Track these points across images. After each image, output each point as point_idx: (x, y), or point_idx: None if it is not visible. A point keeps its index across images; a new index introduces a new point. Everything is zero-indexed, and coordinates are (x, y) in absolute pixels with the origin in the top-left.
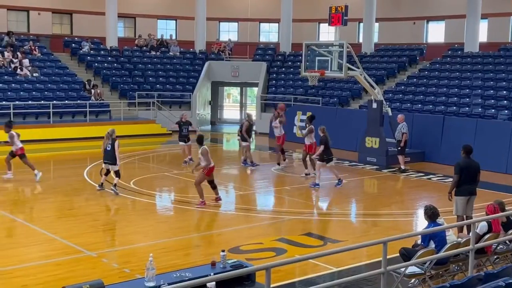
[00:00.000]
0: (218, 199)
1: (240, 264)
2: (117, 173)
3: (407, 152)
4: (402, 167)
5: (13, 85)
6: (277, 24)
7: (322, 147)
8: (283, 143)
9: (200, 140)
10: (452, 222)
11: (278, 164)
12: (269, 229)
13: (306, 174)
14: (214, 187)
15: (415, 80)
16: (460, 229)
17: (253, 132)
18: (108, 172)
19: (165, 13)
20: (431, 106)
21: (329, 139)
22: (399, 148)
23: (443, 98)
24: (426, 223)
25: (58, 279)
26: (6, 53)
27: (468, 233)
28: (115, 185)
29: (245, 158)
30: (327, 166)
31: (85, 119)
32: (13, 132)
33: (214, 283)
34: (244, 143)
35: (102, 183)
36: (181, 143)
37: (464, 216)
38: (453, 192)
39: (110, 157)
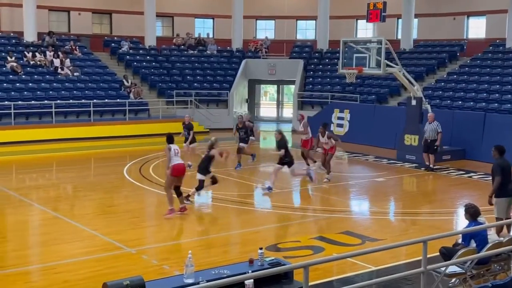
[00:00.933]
0: (182, 209)
1: (278, 262)
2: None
3: (447, 149)
4: (432, 166)
5: (54, 84)
6: (314, 21)
7: (282, 151)
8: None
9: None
10: (493, 221)
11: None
12: (307, 227)
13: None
14: (178, 194)
15: (455, 76)
16: (499, 229)
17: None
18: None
19: (202, 12)
20: (471, 103)
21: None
22: (436, 147)
23: (484, 94)
24: (466, 222)
25: (99, 275)
26: (48, 53)
27: (508, 233)
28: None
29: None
30: (281, 170)
31: (125, 117)
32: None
33: (252, 280)
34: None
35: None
36: (184, 145)
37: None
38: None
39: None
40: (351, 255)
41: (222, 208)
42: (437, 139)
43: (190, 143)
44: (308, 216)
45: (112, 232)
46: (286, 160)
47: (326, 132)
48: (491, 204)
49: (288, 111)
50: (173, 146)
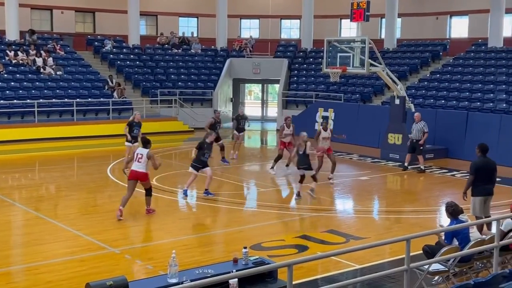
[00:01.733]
0: (149, 210)
1: (262, 261)
2: (314, 178)
3: (430, 148)
4: (422, 167)
5: (37, 83)
6: (298, 20)
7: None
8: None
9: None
10: (474, 219)
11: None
12: (291, 226)
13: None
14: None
15: (438, 75)
16: (481, 228)
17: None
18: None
19: (186, 10)
20: (454, 102)
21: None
22: (421, 147)
23: (467, 93)
24: (449, 220)
25: (82, 275)
26: (30, 52)
27: (489, 230)
28: (312, 190)
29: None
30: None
31: (108, 116)
32: None
33: (236, 279)
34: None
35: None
36: (127, 143)
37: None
38: (469, 192)
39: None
40: (335, 253)
41: (207, 207)
42: (421, 139)
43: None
44: (292, 215)
45: (95, 232)
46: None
47: (328, 128)
48: (465, 200)
49: (272, 110)
50: (139, 150)
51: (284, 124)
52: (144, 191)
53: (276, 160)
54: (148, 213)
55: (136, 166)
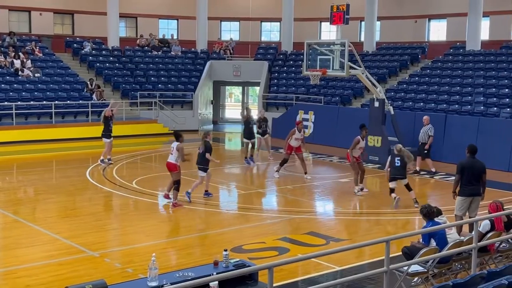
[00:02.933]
0: (174, 204)
1: (243, 264)
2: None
3: (409, 150)
4: (433, 169)
5: (15, 85)
6: (278, 23)
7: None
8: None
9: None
10: (453, 221)
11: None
12: (272, 228)
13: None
14: (175, 188)
15: (417, 78)
16: (460, 229)
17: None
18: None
19: (166, 12)
20: (433, 105)
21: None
22: (426, 151)
23: (445, 96)
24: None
25: (61, 279)
26: (9, 53)
27: (470, 232)
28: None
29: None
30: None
31: (87, 119)
32: None
33: (216, 282)
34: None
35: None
36: (106, 139)
37: (465, 216)
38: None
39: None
40: (316, 255)
41: (187, 210)
42: (427, 143)
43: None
44: (273, 217)
45: (74, 235)
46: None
47: (303, 130)
48: (455, 199)
49: (253, 113)
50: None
51: (296, 128)
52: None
53: (281, 164)
54: (173, 207)
55: (169, 158)
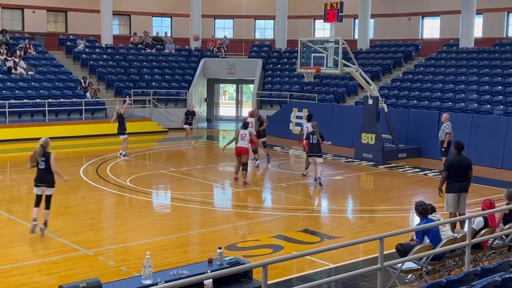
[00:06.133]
0: (244, 183)
1: (237, 261)
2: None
3: (403, 148)
4: None
5: (8, 83)
6: (272, 21)
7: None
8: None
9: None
10: (447, 217)
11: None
12: (266, 226)
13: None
14: (243, 169)
15: (410, 76)
16: (453, 226)
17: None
18: None
19: (160, 10)
20: (426, 102)
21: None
22: (443, 149)
23: (439, 93)
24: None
25: (55, 278)
26: (1, 51)
27: (462, 229)
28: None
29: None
30: None
31: (81, 117)
32: None
33: (211, 280)
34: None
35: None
36: (122, 136)
37: (457, 213)
38: (444, 188)
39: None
40: (310, 253)
41: (182, 208)
42: (445, 140)
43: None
44: (267, 215)
45: (68, 233)
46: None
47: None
48: (441, 196)
49: (247, 111)
50: (242, 131)
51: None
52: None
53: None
54: (244, 185)
55: (240, 143)
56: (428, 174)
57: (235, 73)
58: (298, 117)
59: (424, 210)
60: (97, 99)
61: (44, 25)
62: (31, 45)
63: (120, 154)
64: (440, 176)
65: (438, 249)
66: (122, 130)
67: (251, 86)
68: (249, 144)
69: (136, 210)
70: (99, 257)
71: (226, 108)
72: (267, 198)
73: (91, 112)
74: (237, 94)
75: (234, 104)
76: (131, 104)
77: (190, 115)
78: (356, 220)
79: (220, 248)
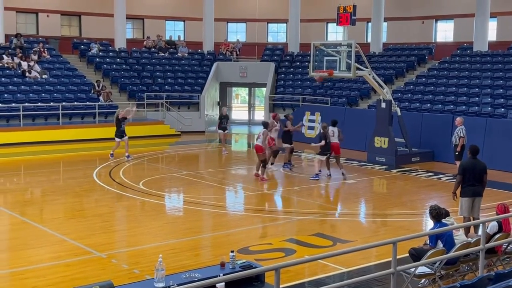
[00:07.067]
0: (262, 179)
1: (249, 265)
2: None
3: (416, 152)
4: None
5: (22, 87)
6: (285, 24)
7: (323, 142)
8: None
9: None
10: (461, 222)
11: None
12: (278, 229)
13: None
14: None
15: (424, 79)
16: (467, 230)
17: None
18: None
19: (173, 14)
20: (440, 106)
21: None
22: (456, 153)
23: (452, 97)
24: (433, 223)
25: (68, 280)
26: (17, 55)
27: (476, 233)
28: None
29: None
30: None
31: (94, 120)
32: None
33: (223, 283)
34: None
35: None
36: (117, 139)
37: (471, 217)
38: (458, 192)
39: None
40: (322, 257)
41: (194, 211)
42: (458, 144)
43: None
44: (279, 218)
45: (81, 236)
46: (321, 150)
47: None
48: (454, 200)
49: (259, 114)
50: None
51: (273, 120)
52: None
53: (274, 157)
54: (261, 181)
55: (256, 142)
56: (441, 178)
57: (247, 76)
58: (310, 121)
59: (438, 214)
60: (110, 103)
61: (58, 29)
62: (45, 49)
63: (127, 156)
64: (454, 180)
65: (452, 253)
66: (117, 133)
67: (264, 89)
68: (266, 144)
69: (149, 213)
70: (112, 260)
71: (238, 112)
72: (279, 202)
73: (105, 116)
74: (249, 97)
75: (247, 107)
76: (138, 110)
77: (224, 119)
78: (369, 224)
79: (232, 251)
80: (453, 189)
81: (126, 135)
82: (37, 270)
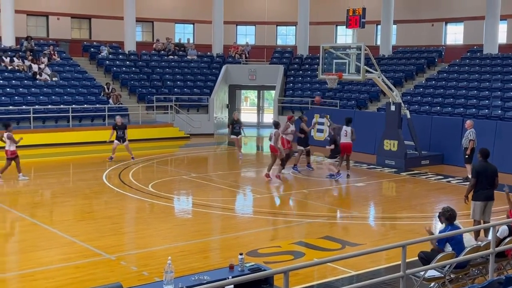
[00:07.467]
0: (276, 176)
1: (258, 268)
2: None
3: (425, 155)
4: (470, 175)
5: (33, 89)
6: (294, 27)
7: (332, 146)
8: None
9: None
10: (469, 225)
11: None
12: (287, 232)
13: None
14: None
15: (433, 82)
16: (477, 234)
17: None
18: None
19: (182, 17)
20: (450, 108)
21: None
22: (466, 156)
23: (462, 100)
24: (443, 225)
25: (78, 282)
26: (27, 57)
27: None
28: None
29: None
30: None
31: (104, 122)
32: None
33: (232, 286)
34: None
35: None
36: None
37: (481, 220)
38: (470, 196)
39: None
40: (331, 260)
41: (203, 214)
42: (468, 147)
43: (124, 141)
44: (288, 221)
45: (91, 238)
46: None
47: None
48: (466, 203)
49: (268, 116)
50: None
51: (288, 122)
52: None
53: (287, 160)
54: (271, 178)
55: (270, 142)
56: (451, 182)
57: (256, 79)
58: (319, 123)
59: (451, 216)
60: (120, 105)
61: (68, 32)
62: (56, 52)
63: (132, 158)
64: (464, 183)
65: (462, 257)
66: (118, 138)
67: (273, 92)
68: (278, 144)
69: (158, 216)
70: (121, 262)
71: (247, 114)
72: (288, 204)
73: (114, 118)
74: (258, 100)
75: (256, 110)
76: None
77: (236, 125)
78: (378, 227)
79: (241, 254)
80: (466, 193)
81: (124, 141)
82: (47, 271)
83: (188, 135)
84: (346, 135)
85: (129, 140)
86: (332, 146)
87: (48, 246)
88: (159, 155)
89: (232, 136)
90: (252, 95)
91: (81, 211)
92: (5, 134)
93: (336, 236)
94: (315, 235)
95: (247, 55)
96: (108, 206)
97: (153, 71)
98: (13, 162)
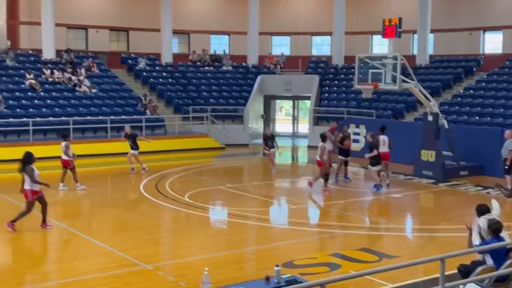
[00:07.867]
0: (325, 190)
1: (294, 279)
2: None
3: (464, 165)
4: (510, 186)
5: (72, 101)
6: (329, 37)
7: (375, 151)
8: None
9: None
10: None
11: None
12: (323, 243)
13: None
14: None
15: (472, 91)
16: None
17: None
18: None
19: (218, 28)
20: (489, 118)
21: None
22: (506, 167)
23: (501, 110)
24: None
25: None
26: (67, 70)
27: None
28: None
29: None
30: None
31: (141, 133)
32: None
33: None
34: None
35: None
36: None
37: None
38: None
39: None
40: (368, 272)
41: (239, 224)
42: (508, 158)
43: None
44: (324, 232)
45: (129, 248)
46: (374, 161)
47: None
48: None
49: (303, 127)
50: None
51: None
52: None
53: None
54: (323, 192)
55: (317, 156)
56: (491, 193)
57: (291, 89)
58: (355, 133)
59: (497, 229)
60: (157, 116)
61: (107, 44)
62: (94, 64)
63: (143, 169)
64: (502, 195)
65: (502, 270)
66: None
67: (308, 102)
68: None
69: (194, 226)
70: (158, 272)
71: (283, 124)
72: (324, 215)
73: (151, 129)
74: (293, 110)
75: (291, 120)
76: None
77: (269, 140)
78: (416, 239)
79: (277, 265)
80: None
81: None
82: (85, 281)
83: (224, 146)
84: (384, 144)
85: (167, 151)
86: (374, 153)
87: (87, 256)
88: (195, 165)
89: (266, 152)
90: (287, 105)
91: (119, 221)
92: (63, 144)
93: (373, 248)
94: (351, 246)
95: (282, 66)
96: (145, 216)
97: (189, 82)
98: (68, 171)
